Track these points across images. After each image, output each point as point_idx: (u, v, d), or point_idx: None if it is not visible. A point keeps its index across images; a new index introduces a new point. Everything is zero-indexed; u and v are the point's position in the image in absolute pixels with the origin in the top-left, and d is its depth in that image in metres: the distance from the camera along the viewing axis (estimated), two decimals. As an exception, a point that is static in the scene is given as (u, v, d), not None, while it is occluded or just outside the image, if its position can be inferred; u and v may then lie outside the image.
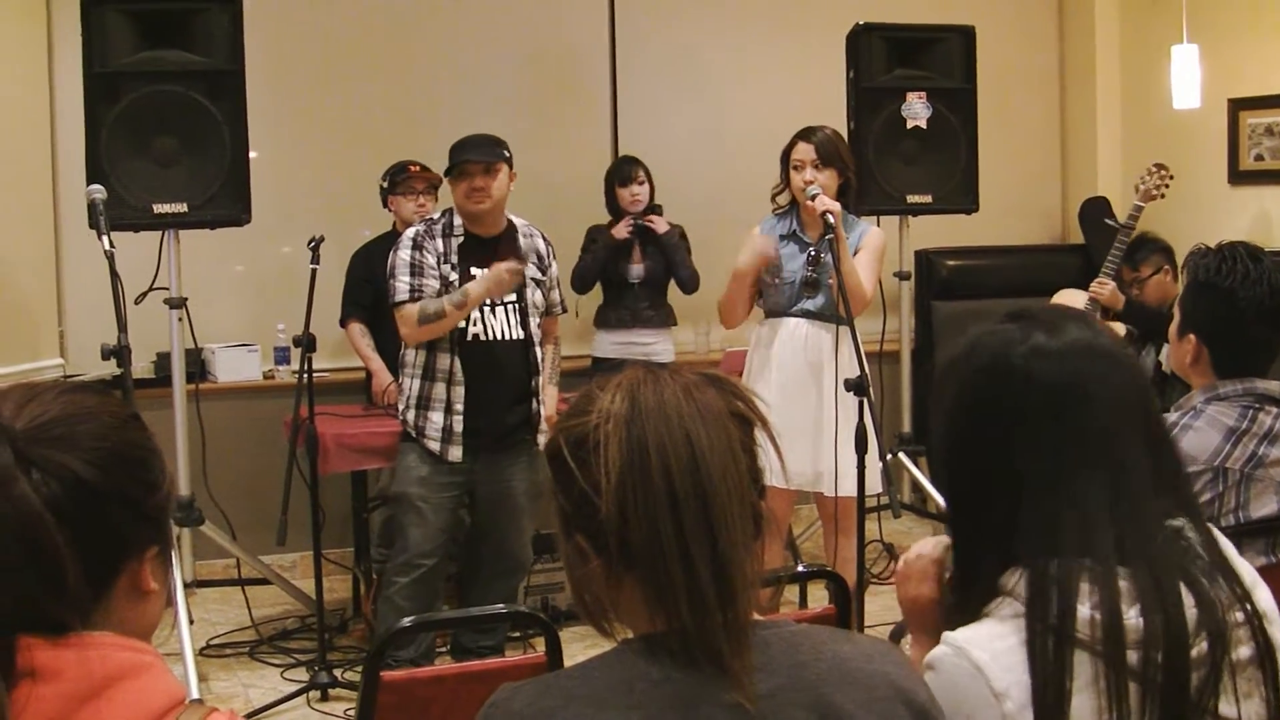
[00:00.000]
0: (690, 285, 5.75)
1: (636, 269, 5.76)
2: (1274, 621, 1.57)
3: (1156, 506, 1.57)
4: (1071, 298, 5.67)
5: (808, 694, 1.31)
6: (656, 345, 5.75)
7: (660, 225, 5.67)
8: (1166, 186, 5.70)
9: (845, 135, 5.63)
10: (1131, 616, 1.49)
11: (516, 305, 4.45)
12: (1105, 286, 5.56)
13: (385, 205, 5.46)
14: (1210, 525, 1.64)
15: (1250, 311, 2.59)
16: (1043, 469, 1.55)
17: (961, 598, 1.63)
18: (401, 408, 4.50)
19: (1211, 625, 1.50)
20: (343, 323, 5.49)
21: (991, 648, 1.51)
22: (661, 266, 5.74)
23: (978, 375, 1.62)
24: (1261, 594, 1.59)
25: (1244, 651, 1.53)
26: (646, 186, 5.74)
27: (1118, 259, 5.64)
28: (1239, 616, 1.54)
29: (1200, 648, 1.49)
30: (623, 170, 5.79)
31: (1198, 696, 1.49)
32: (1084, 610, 1.48)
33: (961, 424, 1.63)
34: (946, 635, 1.55)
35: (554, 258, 4.64)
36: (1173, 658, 1.48)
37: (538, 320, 4.54)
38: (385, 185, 5.44)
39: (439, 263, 4.40)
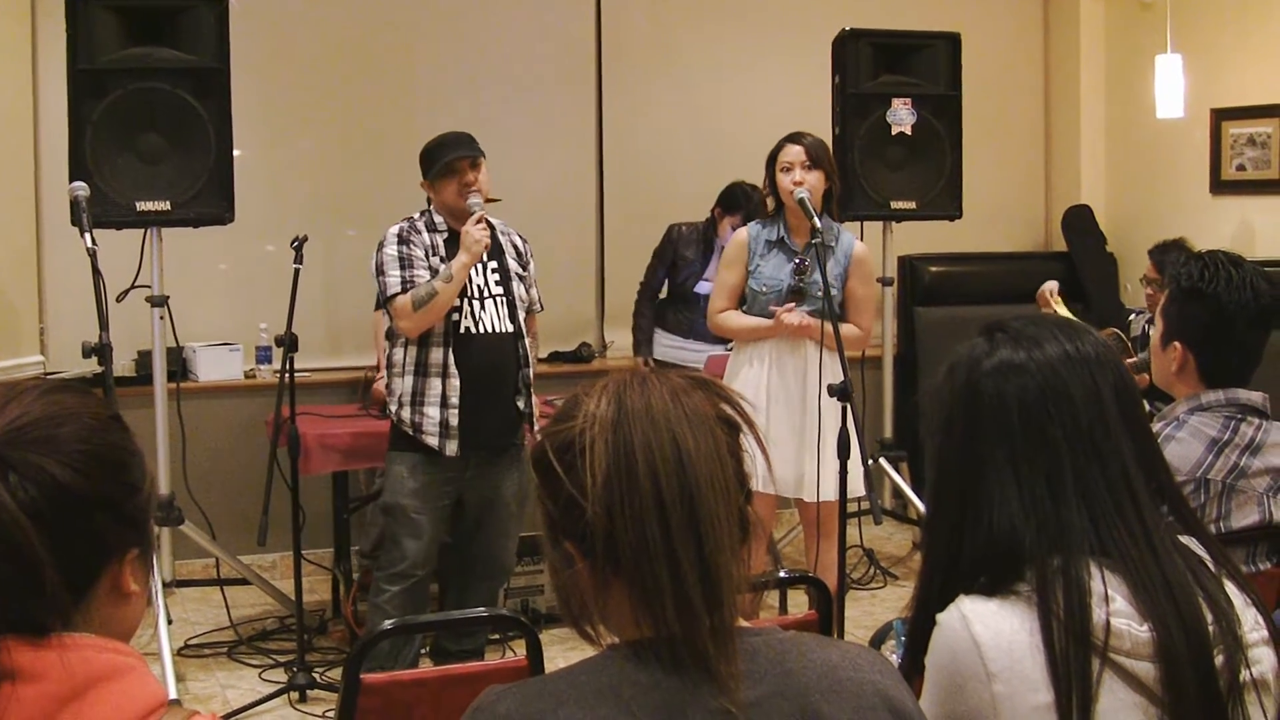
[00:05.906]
0: None
1: (706, 285, 5.74)
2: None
3: (1152, 512, 1.57)
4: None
5: (795, 702, 1.31)
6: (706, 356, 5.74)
7: None
8: None
9: (830, 140, 5.64)
10: (1144, 630, 1.48)
11: (505, 299, 4.44)
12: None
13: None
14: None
15: (1236, 315, 2.59)
16: (1019, 481, 1.56)
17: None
18: (394, 408, 4.42)
19: (1228, 639, 1.50)
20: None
21: (995, 626, 1.50)
22: None
23: (952, 396, 1.63)
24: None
25: (1263, 669, 1.53)
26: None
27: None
28: (1259, 634, 1.53)
29: (1218, 661, 1.49)
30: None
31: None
32: (1099, 614, 1.48)
33: (940, 443, 1.65)
34: (959, 599, 1.54)
35: (531, 256, 4.63)
36: (1199, 669, 1.47)
37: (523, 314, 4.53)
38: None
39: (428, 255, 4.39)
